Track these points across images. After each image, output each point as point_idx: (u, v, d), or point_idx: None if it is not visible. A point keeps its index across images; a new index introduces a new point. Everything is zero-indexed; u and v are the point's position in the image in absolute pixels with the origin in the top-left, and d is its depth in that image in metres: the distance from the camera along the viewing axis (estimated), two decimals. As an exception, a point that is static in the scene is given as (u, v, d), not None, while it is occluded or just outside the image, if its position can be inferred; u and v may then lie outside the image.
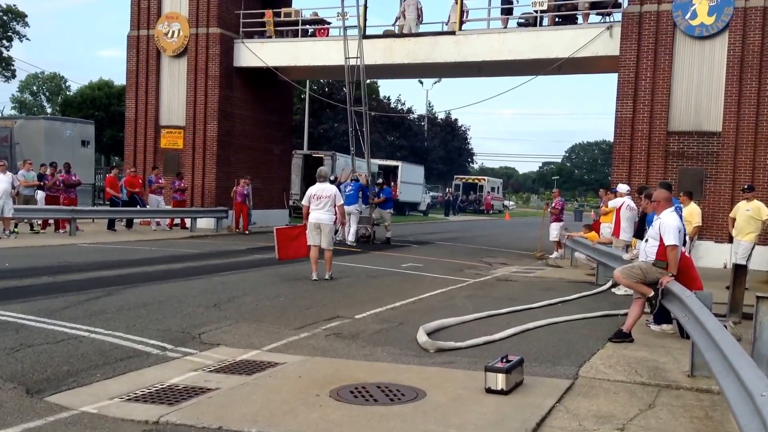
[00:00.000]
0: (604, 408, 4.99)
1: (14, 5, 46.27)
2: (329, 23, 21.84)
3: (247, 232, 19.96)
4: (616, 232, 11.61)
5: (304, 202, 11.29)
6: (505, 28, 19.25)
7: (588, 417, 4.77)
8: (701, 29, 16.04)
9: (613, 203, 12.03)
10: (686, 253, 7.76)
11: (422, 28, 20.25)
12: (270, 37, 21.72)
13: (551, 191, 18.97)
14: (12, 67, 48.37)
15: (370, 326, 7.68)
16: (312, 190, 11.23)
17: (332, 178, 21.39)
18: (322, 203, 11.05)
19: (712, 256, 15.10)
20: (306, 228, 11.23)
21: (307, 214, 11.13)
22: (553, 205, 17.12)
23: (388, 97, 58.60)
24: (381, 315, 8.41)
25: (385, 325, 7.80)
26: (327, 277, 11.06)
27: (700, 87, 16.23)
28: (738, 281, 8.51)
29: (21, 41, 48.60)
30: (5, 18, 46.17)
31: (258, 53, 21.52)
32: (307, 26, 21.99)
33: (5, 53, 47.18)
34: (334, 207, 11.15)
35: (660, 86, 16.42)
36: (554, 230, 16.62)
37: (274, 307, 8.56)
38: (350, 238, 18.04)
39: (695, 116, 16.32)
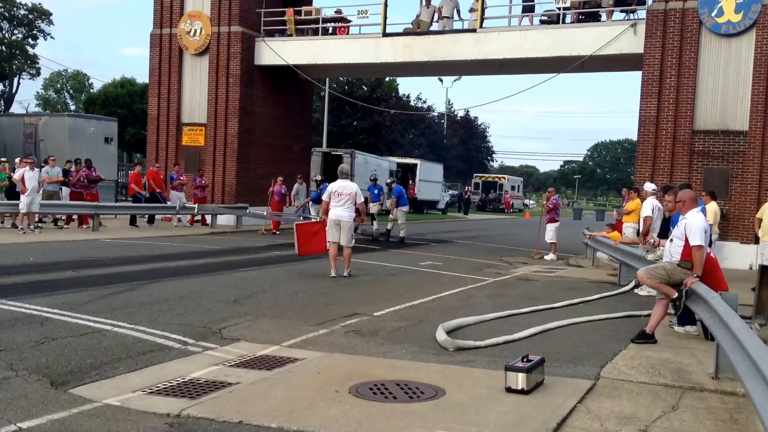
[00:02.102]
0: (627, 409, 4.93)
1: (39, 4, 47.08)
2: (350, 21, 21.87)
3: (277, 232, 19.47)
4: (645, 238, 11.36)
5: (324, 197, 11.33)
6: (530, 25, 19.07)
7: (610, 418, 4.71)
8: (728, 27, 15.77)
9: (646, 210, 11.48)
10: (711, 254, 7.63)
11: (436, 26, 20.17)
12: (291, 35, 21.81)
13: (548, 190, 18.64)
14: (37, 65, 49.23)
15: (388, 324, 7.67)
16: (333, 186, 11.24)
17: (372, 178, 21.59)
18: (342, 200, 11.05)
19: (738, 257, 14.85)
20: (326, 224, 11.25)
21: (327, 209, 11.16)
22: (548, 203, 16.85)
23: (408, 95, 58.64)
24: (400, 313, 8.40)
25: (403, 322, 7.79)
26: (345, 274, 11.07)
27: (726, 85, 15.97)
28: (764, 282, 8.36)
29: (45, 39, 49.45)
30: (30, 16, 46.95)
31: (279, 51, 21.63)
32: (328, 24, 22.05)
33: (30, 51, 47.99)
34: (355, 204, 11.16)
35: (685, 85, 16.18)
36: (549, 231, 16.37)
37: (293, 304, 8.59)
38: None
39: (721, 115, 16.06)
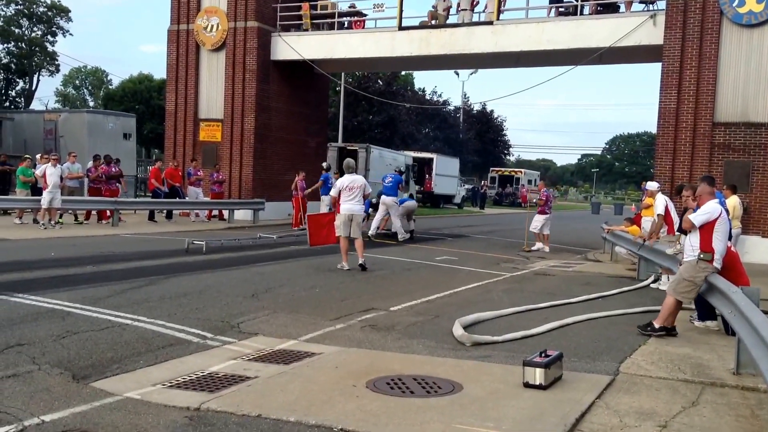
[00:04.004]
0: (646, 405, 4.89)
1: (58, 1, 47.52)
2: (365, 15, 21.84)
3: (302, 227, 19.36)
4: (671, 230, 11.27)
5: (333, 193, 11.55)
6: (549, 17, 18.87)
7: (629, 413, 4.68)
8: (749, 17, 15.50)
9: (659, 208, 11.34)
10: (732, 248, 7.54)
11: (453, 19, 20.05)
12: (306, 30, 21.83)
13: (537, 183, 18.95)
14: (56, 62, 49.70)
15: (405, 318, 7.68)
16: (344, 181, 11.37)
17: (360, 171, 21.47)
18: (354, 194, 11.26)
19: (759, 251, 14.66)
20: (335, 217, 11.42)
21: (336, 203, 11.34)
22: (539, 196, 17.20)
23: (424, 88, 58.51)
24: (416, 308, 8.40)
25: (420, 317, 7.79)
26: (361, 262, 11.18)
27: (747, 76, 15.70)
28: (787, 277, 8.24)
29: (65, 36, 49.97)
30: (50, 13, 47.43)
31: (295, 46, 21.66)
32: (343, 18, 22.04)
33: (50, 48, 48.49)
34: (363, 196, 11.44)
35: (705, 76, 15.94)
36: (537, 222, 16.78)
37: (309, 298, 8.63)
38: (401, 235, 17.23)
39: (742, 107, 15.80)
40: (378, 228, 17.72)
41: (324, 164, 20.43)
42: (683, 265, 7.16)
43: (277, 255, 13.25)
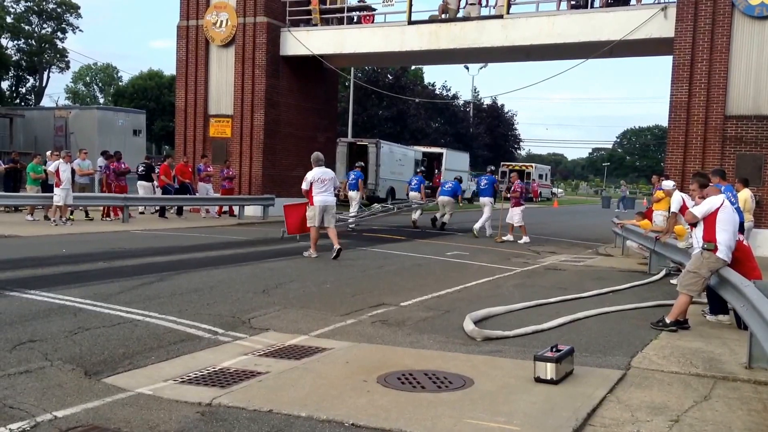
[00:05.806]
0: (658, 399, 4.87)
1: (68, -2, 47.77)
2: (375, 9, 21.79)
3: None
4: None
5: (304, 186, 11.90)
6: (560, 10, 18.74)
7: (641, 408, 4.66)
8: (761, 9, 15.32)
9: (675, 205, 11.20)
10: (744, 242, 7.49)
11: (463, 13, 19.96)
12: (316, 24, 21.81)
13: (510, 175, 19.37)
14: (66, 59, 50.02)
15: (415, 314, 7.68)
16: (316, 174, 11.76)
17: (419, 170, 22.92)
18: (326, 186, 11.78)
19: (772, 245, 14.52)
20: (306, 208, 12.03)
21: (308, 195, 11.77)
22: (513, 188, 17.44)
23: (433, 83, 58.40)
24: (426, 303, 8.39)
25: (430, 312, 7.78)
26: (337, 248, 11.61)
27: (759, 69, 15.53)
28: (800, 271, 8.16)
29: (74, 33, 50.24)
30: (59, 10, 47.69)
31: (304, 41, 21.64)
32: (353, 13, 21.99)
33: (60, 45, 48.77)
34: (334, 189, 12.10)
35: (717, 69, 15.79)
36: (516, 215, 17.16)
37: (320, 294, 8.64)
38: (488, 231, 18.19)
39: (754, 99, 15.64)
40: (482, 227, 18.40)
41: (357, 164, 21.39)
42: (690, 259, 7.16)
43: (286, 251, 13.27)
